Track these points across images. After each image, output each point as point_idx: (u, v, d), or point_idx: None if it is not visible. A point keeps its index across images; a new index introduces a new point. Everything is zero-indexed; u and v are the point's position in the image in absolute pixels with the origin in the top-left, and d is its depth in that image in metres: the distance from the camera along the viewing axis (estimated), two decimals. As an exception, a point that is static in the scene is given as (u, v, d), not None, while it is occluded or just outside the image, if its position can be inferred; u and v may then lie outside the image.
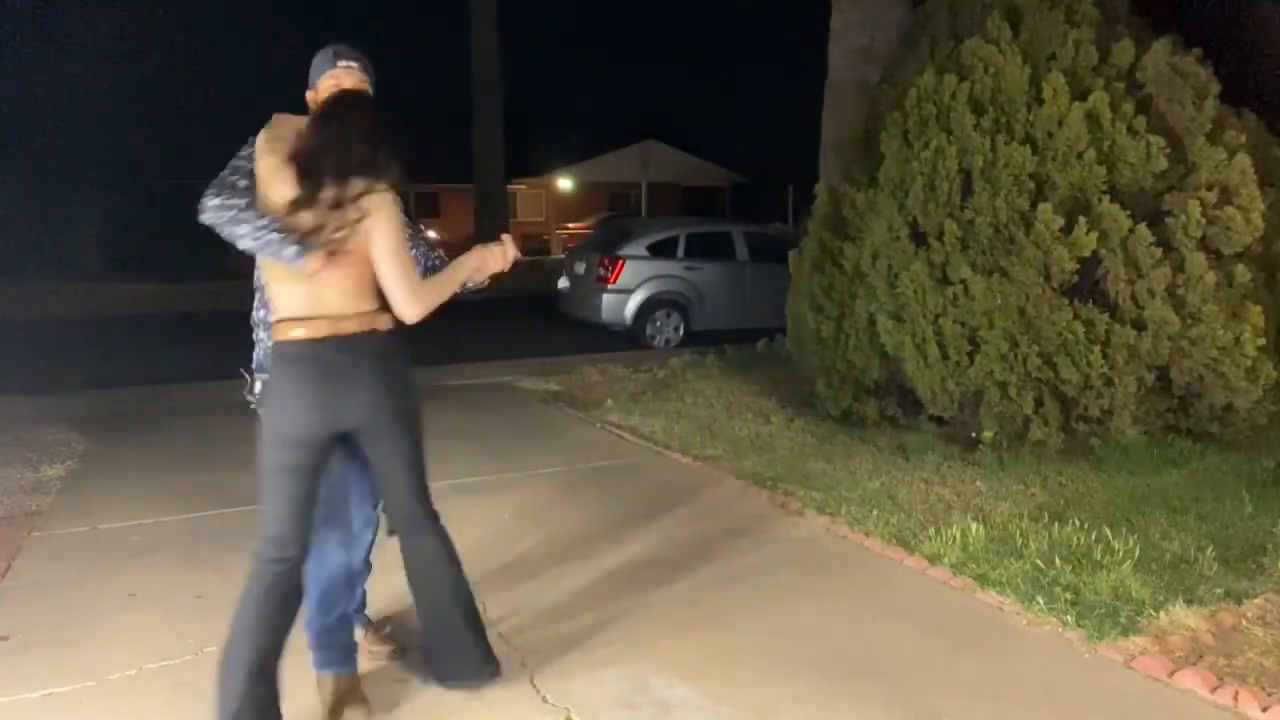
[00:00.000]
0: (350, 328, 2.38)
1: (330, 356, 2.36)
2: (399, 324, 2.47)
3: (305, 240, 2.29)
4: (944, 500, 4.39)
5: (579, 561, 3.76)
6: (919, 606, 3.35)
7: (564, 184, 32.55)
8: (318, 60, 2.58)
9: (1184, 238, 4.71)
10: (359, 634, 2.87)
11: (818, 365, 5.78)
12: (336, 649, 2.65)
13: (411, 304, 2.38)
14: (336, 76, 2.52)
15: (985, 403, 4.82)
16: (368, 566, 2.86)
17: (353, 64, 2.55)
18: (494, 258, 2.65)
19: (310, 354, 2.36)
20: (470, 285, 2.68)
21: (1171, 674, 2.78)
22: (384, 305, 2.44)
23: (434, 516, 2.63)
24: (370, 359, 2.42)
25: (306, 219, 2.29)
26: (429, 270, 2.78)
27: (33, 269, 18.96)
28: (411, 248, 2.69)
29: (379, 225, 2.34)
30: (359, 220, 2.32)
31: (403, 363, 2.53)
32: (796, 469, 4.96)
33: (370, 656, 2.90)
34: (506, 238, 2.75)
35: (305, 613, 2.57)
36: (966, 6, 5.36)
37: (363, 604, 2.93)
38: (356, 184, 2.32)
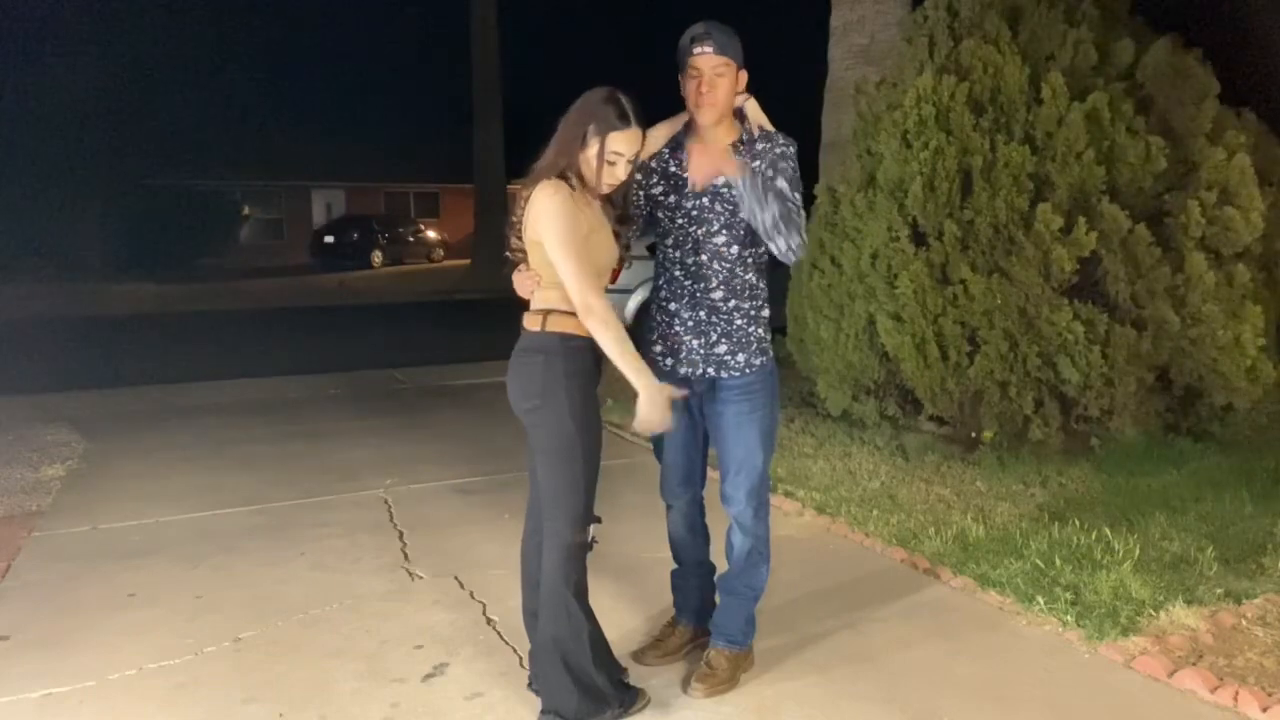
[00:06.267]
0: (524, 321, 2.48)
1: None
2: (570, 334, 2.41)
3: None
4: (944, 500, 4.39)
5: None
6: (919, 606, 3.35)
7: (564, 184, 32.47)
8: (680, 42, 2.52)
9: (1184, 238, 4.72)
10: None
11: (818, 365, 5.78)
12: None
13: (588, 307, 2.35)
14: (694, 65, 2.48)
15: (985, 403, 4.82)
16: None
17: (707, 48, 2.47)
18: (650, 407, 2.37)
19: None
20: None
21: (1171, 674, 2.78)
22: (562, 309, 2.41)
23: (559, 545, 2.43)
24: (515, 354, 2.48)
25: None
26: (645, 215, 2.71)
27: (33, 269, 18.98)
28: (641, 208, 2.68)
29: (534, 214, 2.35)
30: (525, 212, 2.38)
31: (539, 371, 2.41)
32: (796, 469, 4.96)
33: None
34: (667, 417, 2.39)
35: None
36: (965, 6, 5.36)
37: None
38: (530, 179, 2.39)
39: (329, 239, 26.11)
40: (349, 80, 30.46)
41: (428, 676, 2.85)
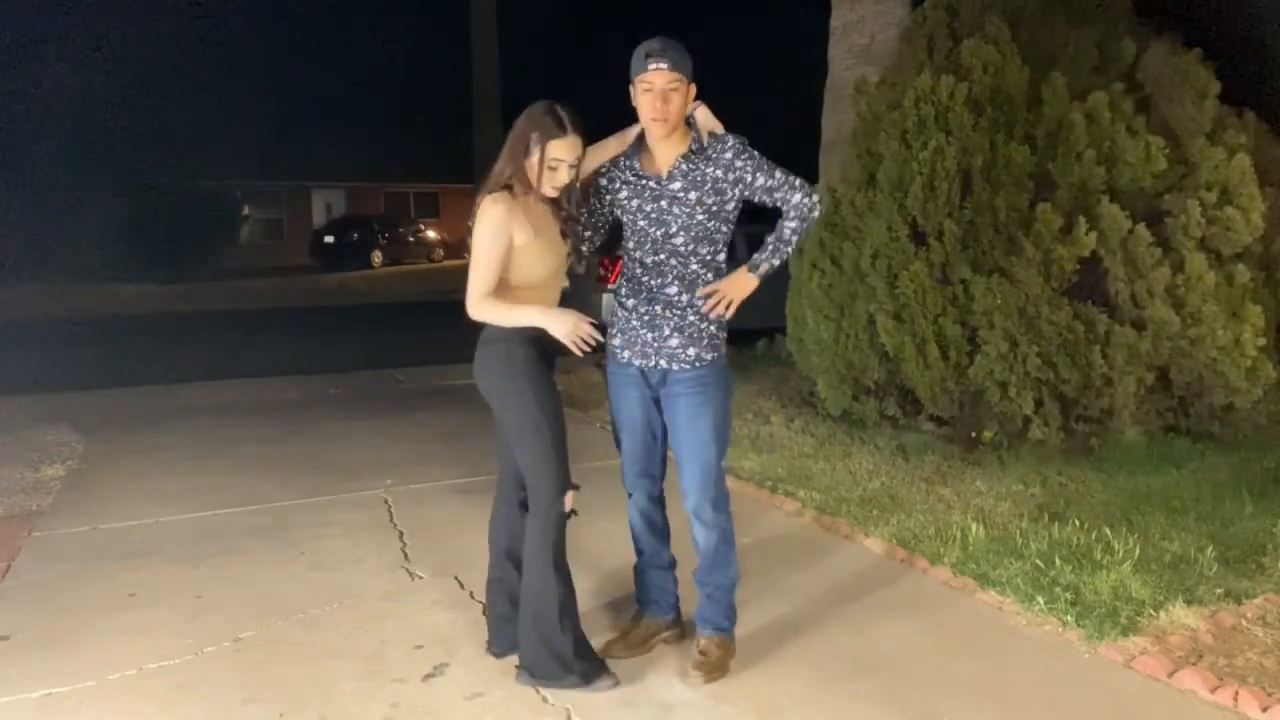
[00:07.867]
0: None
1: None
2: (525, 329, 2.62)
3: None
4: (944, 500, 4.39)
5: (579, 561, 3.74)
6: (919, 606, 3.35)
7: (564, 184, 32.50)
8: (634, 55, 2.61)
9: (1184, 238, 4.72)
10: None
11: (818, 365, 5.78)
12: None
13: (470, 305, 2.60)
14: (647, 80, 2.59)
15: (985, 403, 4.83)
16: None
17: (661, 64, 2.57)
18: (557, 324, 2.54)
19: None
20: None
21: (1171, 674, 2.78)
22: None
23: (539, 512, 2.68)
24: (479, 346, 2.72)
25: None
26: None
27: (33, 269, 18.95)
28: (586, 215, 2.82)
29: (475, 221, 2.60)
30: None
31: (503, 358, 2.65)
32: (796, 469, 4.96)
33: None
34: (580, 319, 2.53)
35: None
36: (966, 6, 5.36)
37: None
38: (481, 189, 2.64)
39: (329, 239, 26.06)
40: (349, 80, 30.42)
41: (428, 676, 2.85)
